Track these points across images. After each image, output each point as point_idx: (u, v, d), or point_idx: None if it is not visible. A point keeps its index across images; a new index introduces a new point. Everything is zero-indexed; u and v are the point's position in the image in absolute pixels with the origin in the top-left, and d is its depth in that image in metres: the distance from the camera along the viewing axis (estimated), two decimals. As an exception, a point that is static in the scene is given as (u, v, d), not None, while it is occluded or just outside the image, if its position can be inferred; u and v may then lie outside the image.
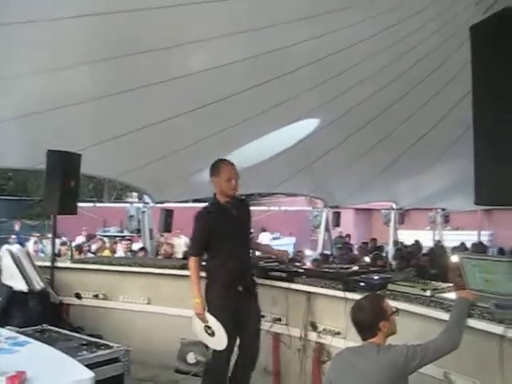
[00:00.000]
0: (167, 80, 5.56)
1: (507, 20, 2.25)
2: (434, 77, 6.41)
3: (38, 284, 5.13)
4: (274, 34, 5.01)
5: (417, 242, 14.67)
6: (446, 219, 17.03)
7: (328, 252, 12.03)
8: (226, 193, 4.13)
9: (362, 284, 3.86)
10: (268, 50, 5.32)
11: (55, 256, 6.06)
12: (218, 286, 4.06)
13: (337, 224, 13.63)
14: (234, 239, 4.11)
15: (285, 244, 18.28)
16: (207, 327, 3.98)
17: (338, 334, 4.10)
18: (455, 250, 11.54)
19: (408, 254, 9.87)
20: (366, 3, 4.83)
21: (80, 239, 15.08)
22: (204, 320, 3.97)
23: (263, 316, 4.40)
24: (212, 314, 3.98)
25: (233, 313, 4.04)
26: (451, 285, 3.71)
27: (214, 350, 4.10)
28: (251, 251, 4.56)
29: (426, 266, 8.80)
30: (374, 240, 14.16)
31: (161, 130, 6.66)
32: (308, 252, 12.44)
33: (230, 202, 4.16)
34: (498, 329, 2.85)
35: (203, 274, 4.15)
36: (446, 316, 3.09)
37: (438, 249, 12.78)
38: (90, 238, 15.50)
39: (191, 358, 5.02)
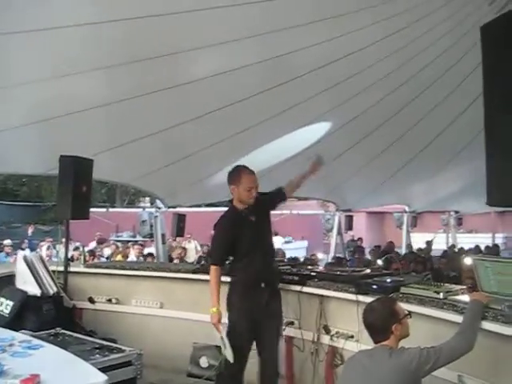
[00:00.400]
0: (179, 85, 5.60)
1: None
2: (446, 79, 6.39)
3: (52, 288, 5.16)
4: (286, 38, 5.04)
5: (428, 242, 14.61)
6: (459, 222, 16.90)
7: (341, 255, 12.00)
8: (245, 202, 4.10)
9: (374, 287, 3.84)
10: (279, 54, 5.34)
11: (68, 261, 6.08)
12: (240, 287, 4.10)
13: (349, 227, 13.59)
14: (255, 244, 4.09)
15: (297, 248, 18.27)
16: (222, 338, 3.99)
17: (351, 337, 4.08)
18: (469, 252, 11.45)
19: (423, 258, 9.77)
20: (377, 6, 4.83)
21: (93, 244, 15.18)
22: (218, 330, 3.99)
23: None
24: (232, 316, 4.04)
25: (252, 318, 4.04)
26: (464, 287, 3.69)
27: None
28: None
29: (442, 269, 8.73)
30: (391, 243, 14.01)
31: (173, 135, 6.69)
32: (320, 255, 12.39)
33: (247, 207, 4.12)
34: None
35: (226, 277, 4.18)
36: (459, 318, 3.07)
37: (454, 252, 12.67)
38: (101, 242, 15.60)
39: (204, 362, 5.04)
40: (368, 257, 12.04)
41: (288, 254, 11.61)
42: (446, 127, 8.14)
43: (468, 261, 5.68)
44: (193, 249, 14.32)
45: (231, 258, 4.22)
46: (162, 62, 5.10)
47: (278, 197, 4.45)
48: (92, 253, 11.39)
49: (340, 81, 6.15)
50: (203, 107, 6.25)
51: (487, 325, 2.99)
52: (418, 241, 15.72)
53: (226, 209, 4.33)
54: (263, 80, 5.89)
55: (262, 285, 4.08)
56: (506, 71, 2.28)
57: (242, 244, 4.09)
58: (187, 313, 5.35)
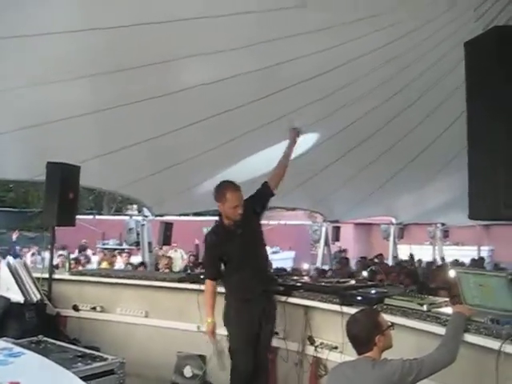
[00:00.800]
0: (168, 93, 5.60)
1: (499, 38, 2.30)
2: (435, 91, 6.42)
3: (35, 296, 5.11)
4: (279, 48, 5.04)
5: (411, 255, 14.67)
6: (446, 234, 17.01)
7: (326, 267, 12.00)
8: (232, 219, 4.09)
9: (358, 298, 3.84)
10: (272, 64, 5.35)
11: (53, 268, 6.04)
12: (235, 302, 4.13)
13: (336, 238, 13.62)
14: (244, 259, 4.09)
15: (284, 258, 18.27)
16: (215, 348, 4.08)
17: (335, 348, 4.08)
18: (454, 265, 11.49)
19: (412, 271, 9.75)
20: (372, 16, 4.85)
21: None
22: (212, 340, 4.08)
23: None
24: (231, 331, 4.08)
25: (251, 331, 4.05)
26: (448, 299, 3.71)
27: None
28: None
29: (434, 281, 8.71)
30: (381, 256, 13.98)
31: (161, 144, 6.69)
32: (306, 266, 12.39)
33: (234, 222, 4.11)
34: (494, 344, 2.83)
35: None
36: (442, 331, 3.08)
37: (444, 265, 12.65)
38: (82, 250, 15.53)
39: (188, 371, 5.02)
40: (354, 268, 12.07)
41: (275, 265, 11.61)
42: (434, 139, 8.18)
43: (452, 273, 5.72)
44: (179, 258, 14.27)
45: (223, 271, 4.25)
46: (151, 71, 5.10)
47: (264, 195, 4.37)
48: (77, 260, 11.32)
49: (329, 92, 6.18)
50: (192, 116, 6.26)
51: (470, 337, 3.00)
52: (405, 253, 15.81)
53: (213, 218, 4.35)
54: (254, 89, 5.90)
55: (256, 295, 4.09)
56: (489, 86, 2.32)
57: (232, 260, 4.12)
58: (172, 322, 5.32)
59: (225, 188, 4.07)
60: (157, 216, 10.03)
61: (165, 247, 13.21)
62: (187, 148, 7.21)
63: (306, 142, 7.77)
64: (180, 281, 5.32)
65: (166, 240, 10.59)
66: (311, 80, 5.77)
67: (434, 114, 7.21)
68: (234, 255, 4.10)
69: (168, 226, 10.37)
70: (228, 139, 7.00)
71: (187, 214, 13.95)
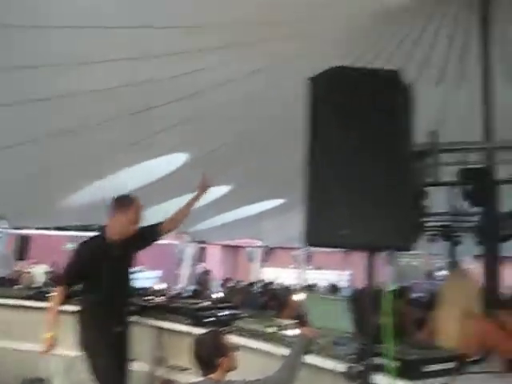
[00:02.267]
0: (36, 99, 5.33)
1: (331, 78, 2.47)
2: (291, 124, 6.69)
3: None
4: (151, 65, 5.03)
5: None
6: (309, 258, 17.71)
7: (191, 287, 11.95)
8: (124, 233, 3.95)
9: (208, 319, 3.88)
10: (142, 80, 5.31)
11: None
12: (96, 325, 3.89)
13: (201, 259, 13.66)
14: (110, 282, 3.90)
15: (149, 277, 17.93)
16: None
17: (186, 369, 4.06)
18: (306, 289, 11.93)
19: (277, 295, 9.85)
20: (241, 45, 5.00)
21: None
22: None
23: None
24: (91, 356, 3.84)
25: (112, 353, 3.87)
26: (294, 322, 3.85)
27: None
28: None
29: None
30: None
31: (25, 151, 6.33)
32: (163, 286, 12.09)
33: (120, 240, 3.96)
34: (330, 364, 2.98)
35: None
36: (287, 352, 3.18)
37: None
38: None
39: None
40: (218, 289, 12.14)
41: (139, 284, 11.33)
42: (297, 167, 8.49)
43: (298, 297, 5.96)
44: (41, 274, 13.41)
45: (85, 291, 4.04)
46: (18, 74, 4.84)
47: (153, 233, 4.27)
48: None
49: (200, 113, 6.24)
50: (58, 126, 6.01)
51: (311, 358, 3.13)
52: (270, 276, 16.22)
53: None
54: (123, 105, 5.80)
55: (119, 328, 3.96)
56: (322, 126, 2.51)
57: (96, 280, 3.90)
58: (18, 343, 4.98)
59: (134, 199, 4.00)
60: (15, 229, 9.44)
61: (23, 262, 12.42)
62: (51, 159, 6.87)
63: (174, 161, 7.78)
64: (30, 298, 5.03)
65: (22, 254, 10.01)
66: (182, 100, 5.81)
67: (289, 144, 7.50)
68: (100, 275, 3.89)
69: (24, 240, 9.81)
70: (94, 153, 6.79)
71: (48, 228, 13.23)
